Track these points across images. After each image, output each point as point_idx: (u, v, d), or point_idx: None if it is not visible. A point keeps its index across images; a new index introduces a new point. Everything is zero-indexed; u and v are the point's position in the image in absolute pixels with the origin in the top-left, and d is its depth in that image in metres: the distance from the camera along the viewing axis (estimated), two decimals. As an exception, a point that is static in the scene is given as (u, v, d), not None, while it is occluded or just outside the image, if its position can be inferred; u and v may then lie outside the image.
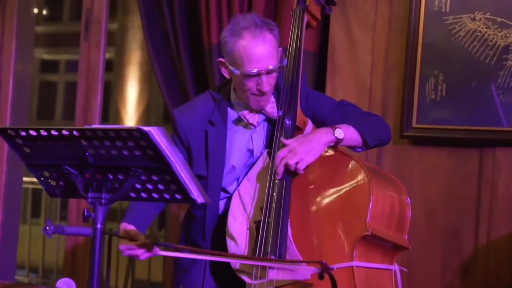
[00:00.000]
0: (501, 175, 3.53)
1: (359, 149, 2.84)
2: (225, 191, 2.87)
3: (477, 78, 3.54)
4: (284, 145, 2.72)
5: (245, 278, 2.71)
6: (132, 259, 6.53)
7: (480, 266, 3.55)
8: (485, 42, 3.54)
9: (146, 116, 10.61)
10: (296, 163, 2.67)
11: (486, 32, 3.54)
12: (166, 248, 2.69)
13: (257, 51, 2.70)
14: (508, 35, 3.52)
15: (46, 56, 13.00)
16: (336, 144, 2.74)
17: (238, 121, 2.87)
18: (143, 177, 2.22)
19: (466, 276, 3.58)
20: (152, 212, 2.86)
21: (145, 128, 2.12)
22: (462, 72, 3.56)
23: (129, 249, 2.65)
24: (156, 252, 2.63)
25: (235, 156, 2.85)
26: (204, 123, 2.85)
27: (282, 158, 2.69)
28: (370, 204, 2.62)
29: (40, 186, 2.43)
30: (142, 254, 2.64)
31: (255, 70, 2.71)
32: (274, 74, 2.76)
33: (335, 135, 2.71)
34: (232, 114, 2.87)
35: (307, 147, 2.68)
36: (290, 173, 2.71)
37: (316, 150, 2.69)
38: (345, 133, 2.73)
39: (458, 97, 3.57)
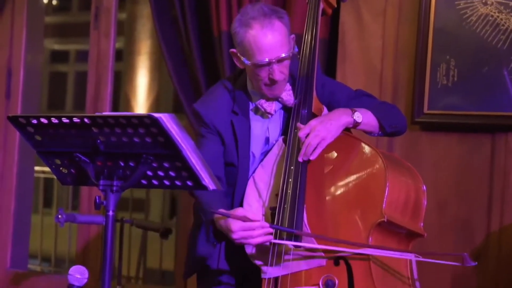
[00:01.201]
0: (514, 161, 3.51)
1: (376, 134, 2.84)
2: None
3: (489, 63, 3.52)
4: (299, 129, 2.72)
5: (260, 264, 2.71)
6: (144, 247, 6.55)
7: (492, 253, 3.53)
8: (497, 26, 3.51)
9: (156, 105, 10.61)
10: (318, 143, 2.67)
11: (498, 16, 3.52)
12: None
13: (267, 40, 2.69)
14: (520, 19, 3.49)
15: (56, 47, 13.02)
16: (353, 127, 2.74)
17: (256, 110, 2.87)
18: (154, 164, 2.23)
19: (478, 263, 3.56)
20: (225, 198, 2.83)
21: (156, 115, 2.12)
22: (474, 57, 3.54)
23: (245, 229, 2.60)
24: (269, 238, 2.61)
25: (255, 145, 2.86)
26: (228, 113, 2.85)
27: (305, 137, 2.68)
28: (386, 191, 2.61)
29: (52, 176, 2.44)
30: (257, 236, 2.61)
31: (266, 60, 2.71)
32: (286, 62, 2.75)
33: (354, 117, 2.71)
34: (250, 103, 2.87)
35: (327, 126, 2.68)
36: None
37: (336, 130, 2.69)
38: (364, 117, 2.73)
39: (470, 82, 3.55)
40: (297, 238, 2.65)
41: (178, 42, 4.12)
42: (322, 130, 2.66)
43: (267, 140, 2.86)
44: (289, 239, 2.65)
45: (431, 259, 2.65)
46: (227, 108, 2.85)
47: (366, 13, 3.77)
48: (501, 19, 3.51)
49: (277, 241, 2.65)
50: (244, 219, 2.59)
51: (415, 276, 2.72)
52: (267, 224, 2.62)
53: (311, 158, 2.69)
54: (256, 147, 2.85)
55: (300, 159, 2.69)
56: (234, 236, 2.61)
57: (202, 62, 4.01)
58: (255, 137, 2.85)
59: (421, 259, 2.70)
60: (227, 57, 3.82)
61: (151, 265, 6.89)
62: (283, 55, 2.72)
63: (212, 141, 2.83)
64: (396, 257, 2.67)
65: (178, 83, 4.08)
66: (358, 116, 2.72)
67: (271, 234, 2.64)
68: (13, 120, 2.25)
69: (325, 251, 2.64)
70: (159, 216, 8.62)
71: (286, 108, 2.86)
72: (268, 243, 2.66)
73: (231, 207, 2.83)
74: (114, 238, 2.30)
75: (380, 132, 2.82)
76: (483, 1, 3.54)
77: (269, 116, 2.85)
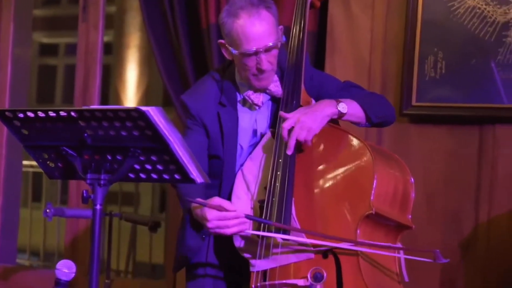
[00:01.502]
0: (501, 152, 3.52)
1: (363, 125, 2.83)
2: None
3: (476, 55, 3.53)
4: (285, 119, 2.71)
5: (249, 257, 2.71)
6: (133, 241, 6.54)
7: (480, 244, 3.54)
8: (485, 18, 3.52)
9: (146, 99, 10.59)
10: (305, 136, 2.67)
11: (485, 8, 3.53)
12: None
13: (254, 29, 2.70)
14: (507, 11, 3.50)
15: (45, 40, 12.97)
16: (339, 118, 2.74)
17: (244, 102, 2.87)
18: (141, 158, 2.22)
19: (466, 254, 3.58)
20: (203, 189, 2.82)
21: (143, 108, 2.12)
22: (461, 49, 3.55)
23: (221, 218, 2.59)
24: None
25: (243, 137, 2.86)
26: (215, 105, 2.85)
27: (289, 130, 2.68)
28: (374, 183, 2.61)
29: (40, 170, 2.43)
30: (232, 226, 2.59)
31: (253, 49, 2.71)
32: (274, 52, 2.76)
33: (338, 108, 2.71)
34: (237, 95, 2.87)
35: (312, 117, 2.67)
36: (299, 146, 2.70)
37: (320, 121, 2.68)
38: (349, 108, 2.73)
39: (458, 74, 3.55)
40: (286, 231, 2.65)
41: (166, 34, 4.12)
42: (307, 121, 2.66)
43: (255, 132, 2.86)
44: (277, 232, 2.65)
45: (405, 255, 2.64)
46: (215, 99, 2.85)
47: (355, 6, 3.77)
48: (488, 11, 3.52)
49: (264, 233, 2.65)
50: (220, 208, 2.58)
51: (403, 267, 2.73)
52: (243, 214, 2.61)
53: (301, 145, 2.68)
54: (243, 139, 2.85)
55: (289, 152, 2.69)
56: (209, 225, 2.60)
57: (190, 54, 4.01)
58: (242, 129, 2.85)
59: (396, 255, 2.71)
60: (215, 49, 3.82)
61: (141, 259, 6.88)
62: (270, 44, 2.72)
63: (197, 133, 2.83)
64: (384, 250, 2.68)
65: (166, 76, 4.07)
66: (343, 107, 2.71)
67: (247, 224, 2.62)
68: (0, 114, 2.24)
69: (313, 244, 2.64)
70: (149, 210, 8.61)
71: (274, 100, 2.85)
72: (248, 234, 2.66)
73: (219, 189, 2.82)
74: (102, 232, 2.29)
75: (367, 123, 2.82)
76: (471, -7, 3.55)
77: (257, 107, 2.85)
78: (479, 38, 3.52)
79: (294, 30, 2.86)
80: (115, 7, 10.99)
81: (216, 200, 2.61)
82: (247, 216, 2.62)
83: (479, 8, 3.53)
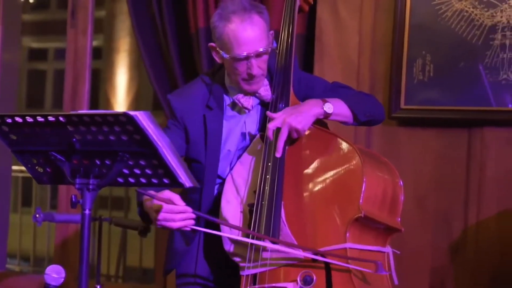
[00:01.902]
0: (489, 155, 3.54)
1: (350, 124, 2.84)
2: (219, 177, 2.87)
3: (464, 58, 3.54)
4: (272, 119, 2.72)
5: (238, 261, 2.71)
6: (123, 245, 6.53)
7: (469, 246, 3.56)
8: (472, 22, 3.54)
9: (136, 103, 10.59)
10: (292, 134, 2.67)
11: (473, 12, 3.54)
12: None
13: (246, 34, 2.70)
14: (494, 14, 3.52)
15: (34, 45, 12.95)
16: (325, 118, 2.74)
17: (233, 105, 2.87)
18: (130, 162, 2.22)
19: (456, 257, 3.59)
20: None
21: (132, 113, 2.11)
22: (449, 52, 3.57)
23: (167, 211, 2.57)
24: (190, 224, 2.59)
25: (231, 141, 2.85)
26: (202, 107, 2.84)
27: (274, 131, 2.68)
28: (363, 186, 2.62)
29: (30, 175, 2.42)
30: (178, 220, 2.57)
31: (244, 53, 2.71)
32: (265, 57, 2.76)
33: (324, 108, 2.71)
34: (226, 99, 2.87)
35: (298, 118, 2.68)
36: (290, 148, 2.70)
37: (307, 121, 2.69)
38: (335, 107, 2.73)
39: (446, 77, 3.57)
40: (275, 233, 2.65)
41: (155, 39, 4.12)
42: (293, 122, 2.67)
43: (244, 135, 2.86)
44: (267, 233, 2.66)
45: (354, 265, 2.64)
46: (202, 102, 2.85)
47: (343, 9, 3.78)
48: (476, 15, 3.54)
49: (252, 241, 2.65)
50: (168, 201, 2.57)
51: (392, 268, 2.73)
52: (190, 209, 2.59)
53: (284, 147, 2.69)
54: (232, 143, 2.85)
55: (278, 155, 2.69)
56: (157, 216, 2.58)
57: (179, 59, 4.01)
58: (231, 133, 2.85)
59: (385, 250, 2.71)
60: (204, 53, 3.82)
61: (131, 263, 6.88)
62: (261, 49, 2.72)
63: (176, 134, 2.82)
64: (373, 252, 2.69)
65: (155, 80, 4.08)
66: (329, 107, 2.71)
67: (193, 219, 2.60)
68: (-13, 119, 2.24)
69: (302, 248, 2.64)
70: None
71: (263, 104, 2.86)
72: (189, 229, 2.64)
73: (199, 205, 2.83)
74: (92, 237, 2.29)
75: (354, 121, 2.82)
76: (458, -4, 3.56)
77: (246, 111, 2.85)
78: (467, 41, 3.54)
79: (282, 34, 2.86)
80: (104, 11, 10.99)
81: (166, 193, 2.59)
82: (194, 212, 2.61)
83: (467, 11, 3.55)
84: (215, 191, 2.87)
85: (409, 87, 3.61)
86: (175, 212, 2.57)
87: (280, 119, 2.68)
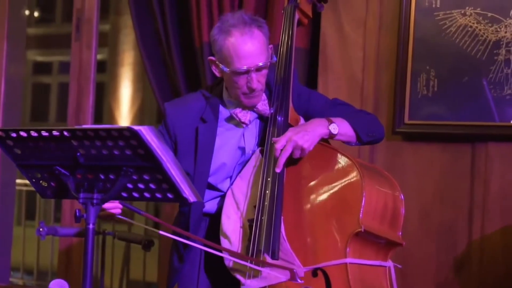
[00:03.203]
0: (494, 170, 3.53)
1: (353, 144, 2.84)
2: (217, 189, 2.87)
3: (468, 73, 3.54)
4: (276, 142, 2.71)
5: (239, 277, 2.71)
6: (127, 259, 6.53)
7: (474, 261, 3.55)
8: (476, 37, 3.54)
9: (140, 116, 10.60)
10: (299, 154, 2.67)
11: (477, 27, 3.55)
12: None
13: (246, 48, 2.71)
14: (498, 29, 3.52)
15: (39, 58, 12.98)
16: (330, 138, 2.74)
17: (230, 119, 2.87)
18: (134, 177, 2.22)
19: (460, 271, 3.58)
20: None
21: (136, 127, 2.12)
22: (453, 67, 3.57)
23: None
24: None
25: (226, 154, 2.85)
26: (196, 119, 2.85)
27: (281, 150, 2.68)
28: (363, 201, 2.61)
29: (34, 189, 2.43)
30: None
31: (244, 67, 2.72)
32: (264, 71, 2.76)
33: (330, 129, 2.71)
34: (224, 112, 2.87)
35: (304, 137, 2.68)
36: (287, 161, 2.70)
37: (312, 141, 2.69)
38: (340, 128, 2.73)
39: (450, 92, 3.57)
40: (275, 248, 2.65)
41: (159, 52, 4.13)
42: (299, 141, 2.67)
43: (243, 150, 2.86)
44: (266, 251, 2.65)
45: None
46: (197, 114, 2.85)
47: (347, 24, 3.78)
48: (480, 30, 3.54)
49: (251, 265, 2.65)
50: None
51: (394, 282, 2.72)
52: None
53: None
54: (227, 156, 2.85)
55: (277, 170, 2.69)
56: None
57: (183, 73, 4.02)
58: (226, 145, 2.85)
59: (386, 264, 2.71)
60: (208, 68, 3.83)
61: (134, 277, 6.86)
62: (261, 63, 2.73)
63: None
64: (375, 267, 2.68)
65: (159, 93, 4.08)
66: (334, 127, 2.72)
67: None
68: (-8, 133, 2.24)
69: (303, 262, 2.64)
70: (142, 228, 8.59)
71: (262, 118, 2.86)
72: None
73: (188, 215, 2.83)
74: (95, 251, 2.29)
75: (357, 142, 2.83)
76: (462, 12, 3.56)
77: (244, 125, 2.85)
78: (471, 56, 3.54)
79: (282, 48, 2.87)
80: (109, 25, 11.02)
81: None
82: (121, 203, 2.63)
83: (471, 27, 3.55)
84: (215, 206, 2.87)
85: (413, 102, 3.61)
86: None
87: (286, 136, 2.68)
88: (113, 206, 2.63)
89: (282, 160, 2.67)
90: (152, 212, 9.03)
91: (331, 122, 2.73)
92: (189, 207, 2.83)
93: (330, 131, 2.71)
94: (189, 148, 2.83)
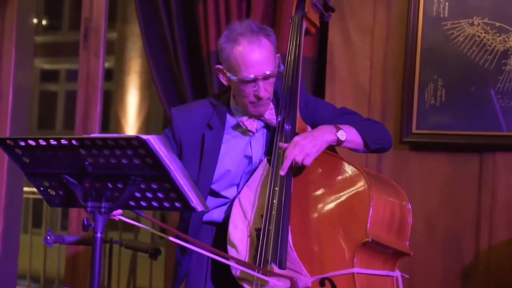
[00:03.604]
0: (501, 180, 3.53)
1: (361, 151, 2.84)
2: (221, 196, 2.87)
3: (476, 83, 3.54)
4: (283, 150, 2.71)
5: (246, 286, 2.70)
6: (133, 267, 6.53)
7: (481, 271, 3.54)
8: (484, 47, 3.54)
9: (147, 124, 10.61)
10: (303, 159, 2.66)
11: (484, 37, 3.55)
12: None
13: (254, 57, 2.71)
14: (506, 39, 3.52)
15: (46, 66, 13.01)
16: (337, 145, 2.74)
17: (237, 127, 2.87)
18: (142, 186, 2.23)
19: (467, 281, 3.57)
20: None
21: (144, 137, 2.12)
22: (461, 77, 3.56)
23: None
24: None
25: (231, 161, 2.85)
26: (203, 126, 2.86)
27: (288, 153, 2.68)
28: (371, 211, 2.61)
29: (41, 196, 2.43)
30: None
31: (252, 76, 2.72)
32: (272, 80, 2.77)
33: (338, 135, 2.71)
34: (231, 120, 2.88)
35: (312, 142, 2.67)
36: (292, 169, 2.70)
37: (319, 147, 2.69)
38: (347, 135, 2.73)
39: (458, 102, 3.56)
40: (281, 263, 2.64)
41: (167, 61, 4.13)
42: (306, 145, 2.66)
43: (250, 159, 2.86)
44: (273, 261, 2.64)
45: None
46: (203, 121, 2.86)
47: (354, 33, 3.79)
48: (488, 40, 3.54)
49: (258, 275, 2.65)
50: None
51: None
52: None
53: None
54: (232, 163, 2.85)
55: (282, 173, 2.68)
56: None
57: (190, 81, 4.02)
58: (231, 153, 2.85)
59: (393, 274, 2.69)
60: (215, 76, 3.83)
61: (141, 285, 6.86)
62: (268, 72, 2.73)
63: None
64: (382, 277, 2.67)
65: (166, 101, 4.09)
66: (342, 134, 2.72)
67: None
68: (1, 142, 2.25)
69: (310, 272, 2.63)
70: (149, 237, 8.60)
71: (269, 127, 2.86)
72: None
73: (188, 221, 2.84)
74: (102, 259, 2.29)
75: (365, 149, 2.82)
76: (470, 21, 3.56)
77: (250, 134, 2.85)
78: (479, 66, 3.54)
79: (289, 57, 2.87)
80: (116, 33, 11.05)
81: None
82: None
83: (479, 36, 3.55)
84: (222, 215, 2.88)
85: (420, 112, 3.61)
86: None
87: (293, 142, 2.68)
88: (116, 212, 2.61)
89: (287, 163, 2.67)
90: (159, 218, 9.03)
91: (338, 129, 2.73)
92: (189, 213, 2.84)
93: (338, 138, 2.71)
94: (194, 154, 2.84)
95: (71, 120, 4.71)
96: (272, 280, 2.64)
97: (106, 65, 4.63)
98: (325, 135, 2.71)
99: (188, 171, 2.80)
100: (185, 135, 2.85)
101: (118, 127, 10.41)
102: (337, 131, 2.72)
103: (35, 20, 5.47)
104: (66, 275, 4.61)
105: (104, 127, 7.04)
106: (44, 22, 12.07)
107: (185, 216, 2.87)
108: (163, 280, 6.35)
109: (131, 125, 10.41)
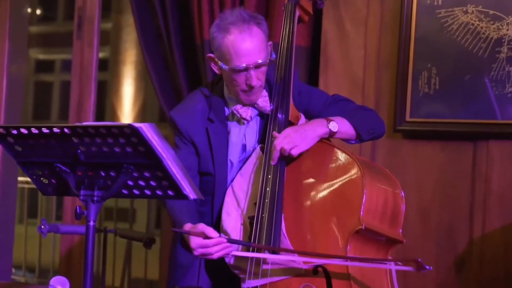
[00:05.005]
0: (495, 168, 3.53)
1: (353, 142, 2.84)
2: None
3: (470, 71, 3.54)
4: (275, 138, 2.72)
5: (239, 273, 2.71)
6: (128, 257, 6.53)
7: (474, 260, 3.55)
8: (478, 35, 3.54)
9: (142, 114, 10.61)
10: (291, 149, 2.67)
11: (478, 25, 3.54)
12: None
13: (245, 45, 2.71)
14: (500, 27, 3.52)
15: (41, 56, 12.99)
16: (330, 137, 2.75)
17: (232, 116, 2.87)
18: (135, 174, 2.22)
19: (460, 271, 3.58)
20: (195, 209, 2.83)
21: (136, 125, 2.12)
22: (455, 65, 3.56)
23: (203, 246, 2.61)
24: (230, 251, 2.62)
25: (233, 152, 2.86)
26: (204, 121, 2.85)
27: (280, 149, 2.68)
28: (364, 198, 2.61)
29: (35, 186, 2.43)
30: (215, 252, 2.62)
31: (243, 65, 2.72)
32: (263, 68, 2.77)
33: (329, 127, 2.72)
34: (226, 110, 2.88)
35: (302, 135, 2.68)
36: (284, 159, 2.70)
37: (310, 140, 2.70)
38: (339, 126, 2.74)
39: (452, 90, 3.57)
40: (275, 245, 2.65)
41: (161, 51, 4.13)
42: (296, 137, 2.67)
43: (244, 147, 2.86)
44: (267, 250, 2.65)
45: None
46: (203, 115, 2.85)
47: (348, 23, 3.78)
48: (482, 28, 3.54)
49: (253, 254, 2.65)
50: (202, 235, 2.59)
51: (396, 285, 2.72)
52: (224, 240, 2.62)
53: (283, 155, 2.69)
54: (233, 154, 2.85)
55: (272, 163, 2.69)
56: (195, 253, 2.64)
57: (184, 70, 4.02)
58: (232, 144, 2.86)
59: (386, 266, 2.69)
60: (209, 65, 3.82)
61: (136, 275, 6.87)
62: (260, 61, 2.73)
63: (187, 152, 2.83)
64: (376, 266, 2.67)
65: (160, 91, 4.08)
66: (334, 126, 2.72)
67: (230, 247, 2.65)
68: (-7, 131, 2.24)
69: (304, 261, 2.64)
70: (144, 226, 8.61)
71: (262, 115, 2.86)
72: (235, 255, 2.66)
73: (211, 216, 2.83)
74: (97, 248, 2.29)
75: (357, 140, 2.83)
76: (464, 9, 3.56)
77: (245, 122, 2.85)
78: (473, 54, 3.54)
79: (282, 45, 2.86)
80: (110, 23, 11.03)
81: (200, 227, 2.62)
82: (229, 240, 2.64)
83: (472, 24, 3.55)
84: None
85: (414, 100, 3.61)
86: (210, 246, 2.59)
87: (284, 133, 2.68)
88: (223, 253, 2.64)
89: (276, 154, 2.68)
90: (154, 207, 9.03)
91: (330, 120, 2.73)
92: (212, 206, 2.84)
93: (330, 129, 2.72)
94: (205, 149, 2.84)
95: (66, 110, 4.70)
96: (266, 267, 2.65)
97: (102, 55, 4.63)
98: (316, 129, 2.71)
99: (204, 167, 2.82)
100: (193, 134, 2.85)
101: (114, 117, 10.41)
102: (328, 123, 2.72)
103: (29, 10, 5.45)
104: (61, 265, 4.61)
105: (100, 117, 7.03)
106: (38, 12, 12.04)
107: (205, 210, 2.85)
108: (158, 269, 6.36)
109: (126, 115, 10.40)
